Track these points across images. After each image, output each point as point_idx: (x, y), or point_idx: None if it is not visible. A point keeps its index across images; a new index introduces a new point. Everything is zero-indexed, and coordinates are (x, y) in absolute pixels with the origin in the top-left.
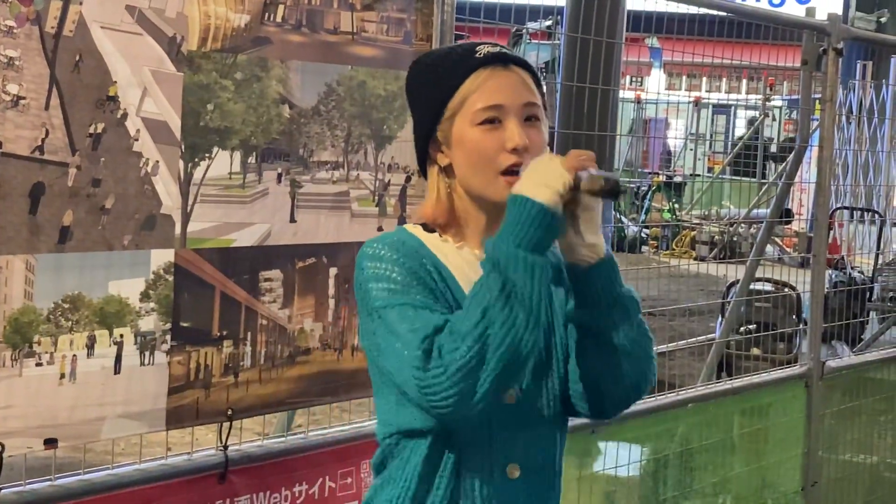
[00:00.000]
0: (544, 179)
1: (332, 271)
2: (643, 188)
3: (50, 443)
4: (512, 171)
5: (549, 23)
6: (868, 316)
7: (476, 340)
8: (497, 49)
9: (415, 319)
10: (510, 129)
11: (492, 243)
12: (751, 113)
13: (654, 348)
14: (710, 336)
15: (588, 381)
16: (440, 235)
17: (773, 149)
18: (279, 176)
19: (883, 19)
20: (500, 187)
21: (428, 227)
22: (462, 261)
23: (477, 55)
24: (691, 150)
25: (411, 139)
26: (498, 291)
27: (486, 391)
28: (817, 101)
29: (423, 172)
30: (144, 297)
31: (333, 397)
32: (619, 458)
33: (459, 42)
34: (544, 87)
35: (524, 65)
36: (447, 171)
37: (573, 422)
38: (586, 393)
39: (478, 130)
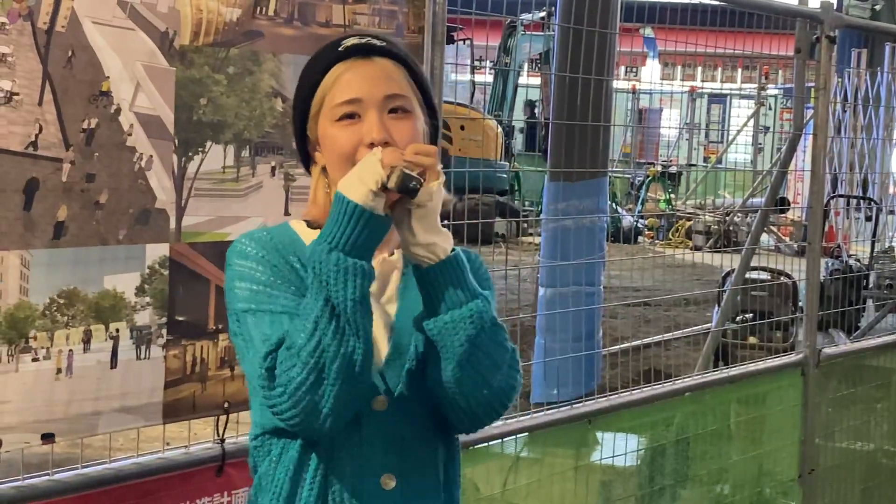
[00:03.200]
0: (361, 176)
1: None
2: (639, 178)
3: (47, 438)
4: None
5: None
6: (864, 303)
7: (310, 355)
8: (364, 40)
9: (269, 328)
10: (368, 122)
11: (312, 245)
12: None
13: (519, 361)
14: (706, 325)
15: (436, 390)
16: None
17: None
18: (273, 169)
19: (877, 6)
20: None
21: (311, 224)
22: None
23: (339, 49)
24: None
25: None
26: (323, 302)
27: (331, 406)
28: (812, 90)
29: (308, 172)
30: (140, 291)
31: None
32: (616, 447)
33: (341, 35)
34: (426, 79)
35: (391, 54)
36: (326, 171)
37: (571, 411)
38: (440, 403)
39: (337, 127)
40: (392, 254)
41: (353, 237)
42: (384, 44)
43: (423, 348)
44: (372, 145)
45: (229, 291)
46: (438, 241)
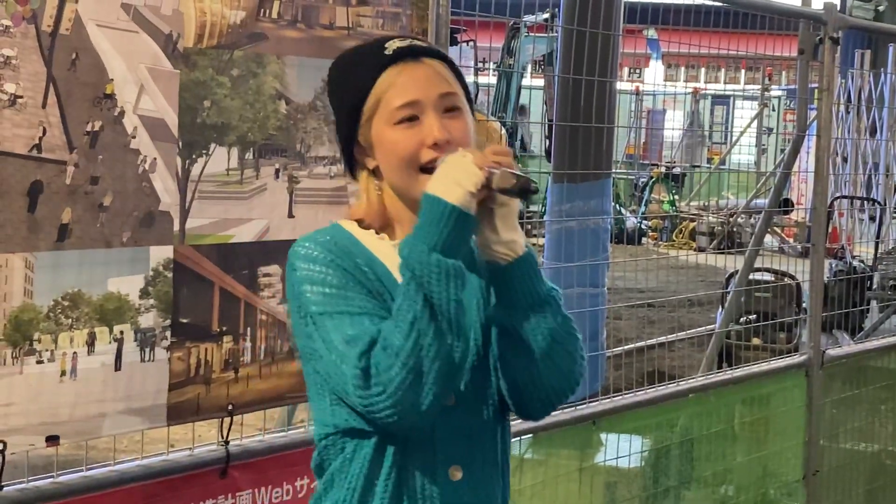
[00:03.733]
0: (456, 178)
1: None
2: (643, 180)
3: (52, 440)
4: (431, 168)
5: (546, 15)
6: (868, 305)
7: (409, 355)
8: (407, 43)
9: (351, 329)
10: (428, 124)
11: (406, 246)
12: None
13: (583, 349)
14: (710, 326)
15: (509, 381)
16: (376, 232)
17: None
18: (277, 171)
19: (881, 7)
20: (422, 185)
21: (363, 224)
22: (396, 258)
23: (386, 52)
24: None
25: None
26: (421, 303)
27: (430, 402)
28: (815, 91)
29: (352, 176)
30: (144, 293)
31: None
32: (620, 448)
33: (374, 38)
34: (465, 78)
35: (437, 55)
36: (375, 173)
37: (575, 413)
38: (509, 393)
39: (396, 130)
40: None
41: (451, 238)
42: (427, 44)
43: (481, 341)
44: (436, 145)
45: (299, 296)
46: (517, 238)
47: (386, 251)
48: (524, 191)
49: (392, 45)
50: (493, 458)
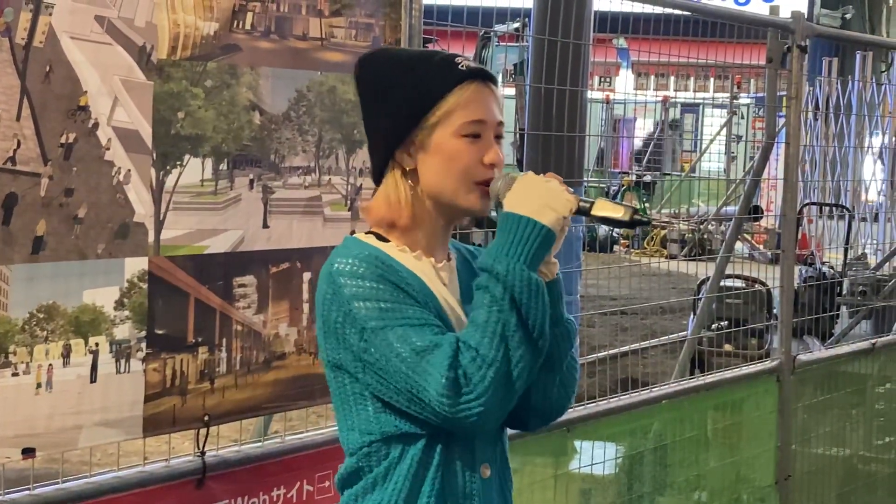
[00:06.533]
0: (549, 203)
1: (306, 276)
2: (613, 188)
3: (27, 453)
4: (483, 183)
5: (516, 25)
6: (838, 310)
7: (501, 365)
8: (476, 64)
9: (419, 341)
10: (488, 145)
11: (497, 261)
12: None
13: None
14: (682, 333)
15: (522, 394)
16: (396, 245)
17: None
18: (251, 182)
19: (848, 15)
20: (475, 197)
21: (379, 237)
22: (423, 270)
23: (460, 66)
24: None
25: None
26: (517, 317)
27: (509, 408)
28: (784, 99)
29: (377, 173)
30: (119, 305)
31: (309, 401)
32: (595, 455)
33: (430, 48)
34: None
35: (496, 82)
36: (410, 174)
37: None
38: (519, 405)
39: (462, 142)
40: (450, 258)
41: (538, 257)
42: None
43: None
44: (492, 166)
45: (348, 313)
46: (556, 262)
47: (412, 264)
48: (637, 222)
49: (463, 63)
50: (506, 459)
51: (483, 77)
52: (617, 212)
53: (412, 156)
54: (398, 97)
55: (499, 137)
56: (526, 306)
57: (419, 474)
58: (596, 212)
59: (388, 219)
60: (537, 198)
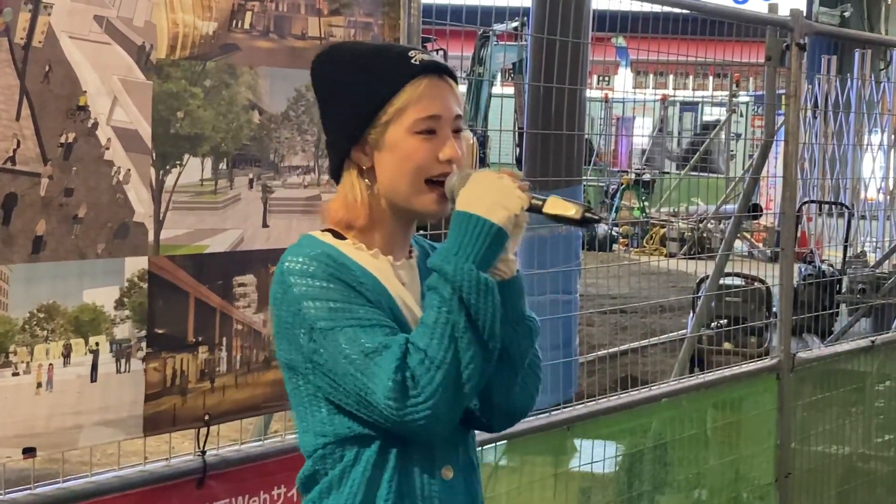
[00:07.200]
0: (501, 201)
1: None
2: (612, 187)
3: (28, 452)
4: (438, 182)
5: (515, 24)
6: (838, 308)
7: (450, 367)
8: (429, 57)
9: (368, 342)
10: (444, 140)
11: (446, 261)
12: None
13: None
14: (681, 332)
15: (482, 396)
16: (353, 243)
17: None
18: (251, 181)
19: (846, 13)
20: (430, 200)
21: (336, 234)
22: (379, 268)
23: (413, 61)
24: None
25: None
26: (465, 318)
27: (460, 411)
28: (783, 97)
29: (335, 172)
30: (119, 304)
31: None
32: (594, 454)
33: (385, 43)
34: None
35: (453, 76)
36: (367, 173)
37: (549, 418)
38: (481, 407)
39: (416, 139)
40: (411, 255)
41: (489, 256)
42: (445, 63)
43: None
44: (448, 162)
45: (296, 312)
46: (514, 259)
47: (368, 262)
48: (587, 220)
49: (417, 56)
50: (470, 460)
51: (438, 70)
52: (568, 210)
53: (368, 154)
54: (351, 95)
55: (457, 132)
56: (475, 307)
57: (375, 477)
58: (547, 210)
59: (345, 220)
60: (488, 196)
